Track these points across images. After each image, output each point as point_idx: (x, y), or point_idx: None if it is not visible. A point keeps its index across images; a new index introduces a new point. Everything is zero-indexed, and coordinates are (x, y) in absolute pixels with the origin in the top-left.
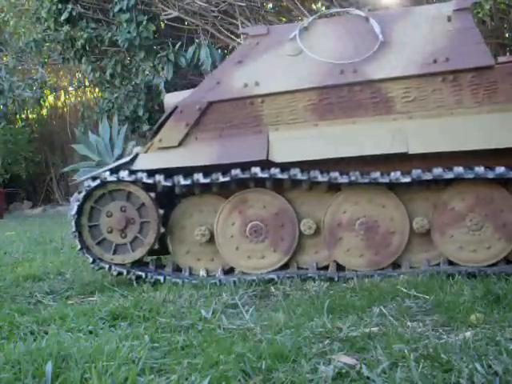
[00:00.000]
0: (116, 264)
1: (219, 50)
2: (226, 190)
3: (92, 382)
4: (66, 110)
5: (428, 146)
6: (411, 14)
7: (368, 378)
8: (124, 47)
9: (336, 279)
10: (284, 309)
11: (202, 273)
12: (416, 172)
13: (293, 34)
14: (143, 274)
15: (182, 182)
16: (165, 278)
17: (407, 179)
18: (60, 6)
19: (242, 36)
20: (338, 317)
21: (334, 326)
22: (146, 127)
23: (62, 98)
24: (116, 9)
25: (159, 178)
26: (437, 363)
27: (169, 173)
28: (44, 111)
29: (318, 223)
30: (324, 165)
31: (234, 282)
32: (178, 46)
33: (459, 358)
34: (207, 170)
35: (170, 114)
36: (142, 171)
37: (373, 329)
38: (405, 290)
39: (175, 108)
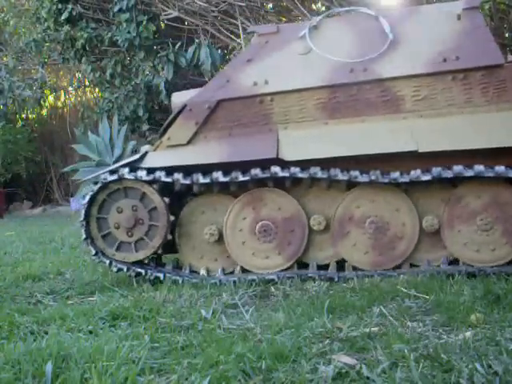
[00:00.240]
0: (117, 260)
1: (219, 50)
2: (238, 189)
3: (92, 382)
4: (66, 110)
5: (438, 144)
6: (421, 13)
7: (368, 378)
8: (124, 47)
9: (336, 279)
10: (284, 309)
11: (203, 272)
12: (436, 170)
13: (302, 32)
14: (143, 271)
15: (201, 180)
16: (165, 276)
17: (427, 177)
18: (60, 5)
19: (242, 36)
20: (337, 317)
21: (334, 326)
22: (145, 127)
23: (62, 98)
24: (116, 9)
25: (178, 176)
26: (437, 363)
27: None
28: (44, 111)
29: (328, 219)
30: (332, 163)
31: (234, 282)
32: (177, 46)
33: (459, 357)
34: (214, 169)
35: (179, 113)
36: (161, 170)
37: (373, 329)
38: (405, 290)
39: (184, 106)
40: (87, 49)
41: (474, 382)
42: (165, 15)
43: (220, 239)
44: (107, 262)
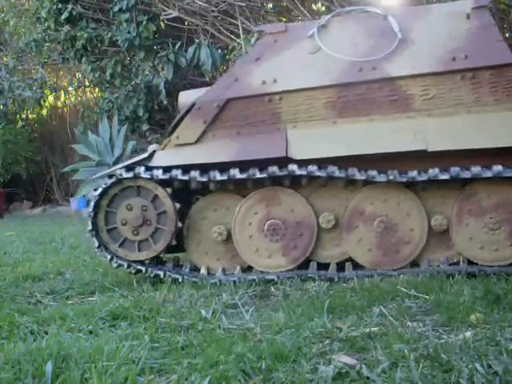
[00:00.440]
0: (118, 257)
1: (219, 50)
2: (250, 188)
3: (92, 382)
4: (66, 110)
5: (447, 143)
6: (429, 12)
7: (368, 378)
8: (124, 47)
9: (336, 279)
10: (284, 309)
11: (203, 270)
12: (455, 170)
13: (311, 31)
14: (143, 269)
15: (218, 177)
16: (165, 274)
17: (445, 176)
18: (60, 5)
19: (242, 36)
20: (337, 317)
21: (334, 326)
22: (145, 127)
23: (62, 98)
24: (116, 9)
25: (195, 174)
26: (437, 363)
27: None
28: (44, 111)
29: (337, 218)
30: (342, 162)
31: (234, 282)
32: (177, 46)
33: (459, 357)
34: (224, 167)
35: (187, 112)
36: (177, 168)
37: (373, 329)
38: (405, 290)
39: (192, 105)
40: (87, 49)
41: (473, 382)
42: (165, 15)
43: (228, 239)
44: (108, 256)
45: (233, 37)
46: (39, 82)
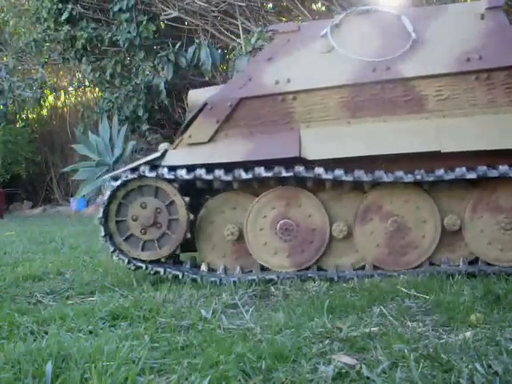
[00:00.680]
0: (120, 250)
1: (219, 50)
2: (261, 187)
3: (92, 382)
4: (66, 110)
5: (461, 144)
6: (443, 12)
7: (368, 378)
8: (124, 47)
9: (336, 279)
10: (284, 309)
11: (203, 268)
12: (481, 169)
13: (324, 31)
14: (143, 266)
15: (244, 176)
16: (165, 271)
17: (473, 175)
18: (60, 5)
19: (242, 36)
20: (337, 317)
21: (334, 326)
22: (145, 127)
23: (62, 98)
24: (116, 9)
25: (219, 172)
26: (437, 363)
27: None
28: (44, 111)
29: (350, 226)
30: (355, 162)
31: (234, 282)
32: (177, 46)
33: (459, 358)
34: (235, 167)
35: (200, 111)
36: (201, 167)
37: (373, 329)
38: (405, 290)
39: (205, 105)
40: (87, 49)
41: (473, 382)
42: (165, 15)
43: (239, 239)
44: (112, 248)
45: (233, 37)
46: (39, 82)
